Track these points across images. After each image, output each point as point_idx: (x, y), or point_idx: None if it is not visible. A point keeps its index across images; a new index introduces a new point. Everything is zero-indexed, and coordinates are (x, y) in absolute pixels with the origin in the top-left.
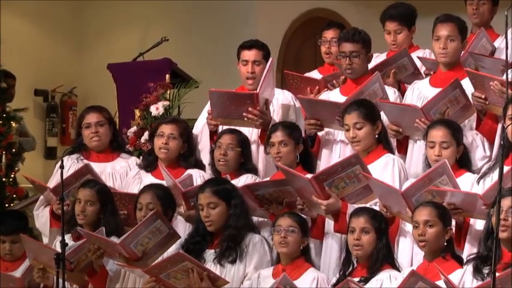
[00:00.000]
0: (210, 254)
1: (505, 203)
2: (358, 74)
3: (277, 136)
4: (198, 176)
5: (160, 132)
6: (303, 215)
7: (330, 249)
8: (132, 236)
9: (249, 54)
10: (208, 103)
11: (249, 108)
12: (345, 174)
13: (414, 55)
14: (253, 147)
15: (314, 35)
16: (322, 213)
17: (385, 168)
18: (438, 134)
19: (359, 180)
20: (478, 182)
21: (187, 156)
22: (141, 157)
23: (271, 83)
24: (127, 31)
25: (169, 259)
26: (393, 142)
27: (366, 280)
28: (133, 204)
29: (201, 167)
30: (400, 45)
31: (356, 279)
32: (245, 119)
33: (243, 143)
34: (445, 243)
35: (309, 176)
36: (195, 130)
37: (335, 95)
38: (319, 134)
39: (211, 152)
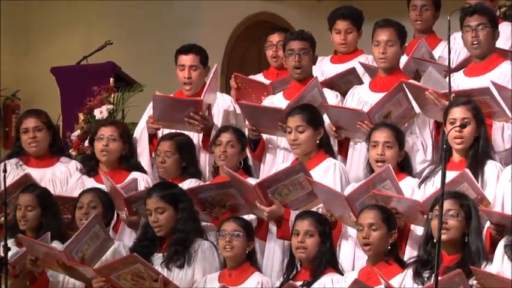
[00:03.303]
0: (158, 258)
1: (444, 206)
2: (306, 73)
3: (226, 136)
4: (142, 180)
5: (100, 135)
6: (247, 219)
7: (273, 252)
8: (75, 242)
9: (186, 59)
10: (149, 107)
11: (191, 113)
12: (289, 182)
13: (357, 60)
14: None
15: (259, 38)
16: (265, 218)
17: (326, 173)
18: (382, 134)
19: (302, 187)
20: (419, 186)
21: (128, 157)
22: (82, 162)
23: (214, 89)
24: (71, 34)
25: (121, 260)
26: (335, 146)
27: (308, 284)
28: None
29: (142, 169)
30: (350, 45)
31: (299, 283)
32: (187, 123)
33: (182, 148)
34: (389, 247)
35: (253, 182)
36: (136, 134)
37: (278, 99)
38: (264, 137)
39: (155, 158)
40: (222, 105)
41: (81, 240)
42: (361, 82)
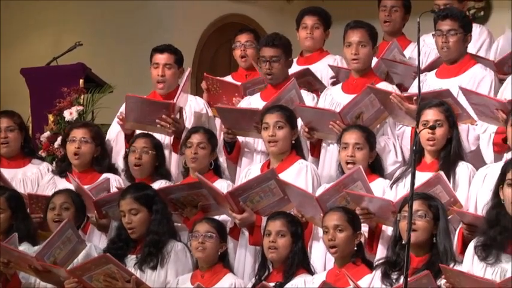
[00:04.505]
0: (131, 259)
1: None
2: (277, 79)
3: (197, 138)
4: (114, 181)
5: (72, 137)
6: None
7: (244, 254)
8: (47, 247)
9: (161, 58)
10: (122, 107)
11: (163, 116)
12: (260, 189)
13: (325, 61)
14: (166, 152)
15: (229, 40)
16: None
17: (298, 175)
18: (352, 136)
19: (273, 194)
20: (391, 187)
21: (100, 159)
22: (54, 163)
23: (186, 92)
24: (41, 35)
25: (94, 261)
26: (307, 146)
27: (281, 285)
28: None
29: (115, 171)
30: (316, 40)
31: (271, 284)
32: (158, 126)
33: (157, 146)
34: (355, 248)
35: (225, 184)
36: (111, 135)
37: (255, 100)
38: (240, 140)
39: (125, 157)
40: (194, 107)
41: (54, 245)
42: (321, 83)
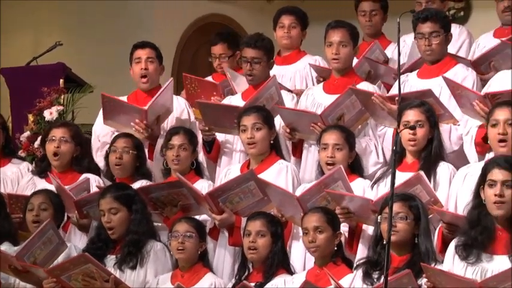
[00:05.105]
0: (110, 259)
1: (393, 208)
2: (258, 80)
3: (178, 139)
4: (94, 181)
5: (51, 136)
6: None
7: (224, 254)
8: (28, 247)
9: (142, 52)
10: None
11: (136, 120)
12: (240, 190)
13: (304, 61)
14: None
15: (209, 40)
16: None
17: (278, 175)
18: (332, 136)
19: (253, 195)
20: (371, 187)
21: (80, 159)
22: (33, 163)
23: (168, 102)
24: (21, 35)
25: (72, 260)
26: (289, 146)
27: (261, 285)
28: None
29: (94, 171)
30: (293, 39)
31: (251, 285)
32: (133, 129)
33: (138, 146)
34: (335, 248)
35: (206, 184)
36: (95, 133)
37: (237, 100)
38: (220, 140)
39: (106, 157)
40: (175, 108)
41: (34, 245)
42: (280, 97)
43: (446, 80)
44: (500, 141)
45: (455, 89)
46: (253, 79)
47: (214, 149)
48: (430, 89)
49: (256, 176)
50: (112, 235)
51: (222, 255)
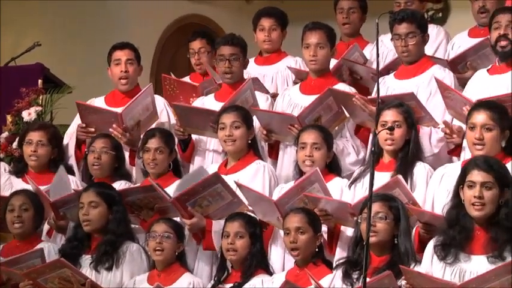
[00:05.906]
0: (86, 259)
1: (373, 209)
2: (236, 78)
3: (154, 142)
4: (72, 181)
5: (28, 139)
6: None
7: (206, 255)
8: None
9: (122, 54)
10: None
11: (114, 125)
12: (207, 193)
13: (285, 62)
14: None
15: (188, 41)
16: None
17: (255, 175)
18: (310, 136)
19: (222, 198)
20: (349, 187)
21: (57, 161)
22: (11, 163)
23: (150, 107)
24: None
25: (48, 265)
26: (265, 147)
27: (239, 286)
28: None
29: (72, 172)
30: (274, 42)
31: (230, 285)
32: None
33: (117, 147)
34: (316, 249)
35: (172, 196)
36: (66, 137)
37: (209, 101)
38: (194, 138)
39: (85, 158)
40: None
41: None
42: (255, 99)
43: (437, 81)
44: (476, 144)
45: (445, 91)
46: (232, 77)
47: (189, 149)
48: (412, 92)
49: (221, 178)
50: (86, 227)
51: (200, 256)
